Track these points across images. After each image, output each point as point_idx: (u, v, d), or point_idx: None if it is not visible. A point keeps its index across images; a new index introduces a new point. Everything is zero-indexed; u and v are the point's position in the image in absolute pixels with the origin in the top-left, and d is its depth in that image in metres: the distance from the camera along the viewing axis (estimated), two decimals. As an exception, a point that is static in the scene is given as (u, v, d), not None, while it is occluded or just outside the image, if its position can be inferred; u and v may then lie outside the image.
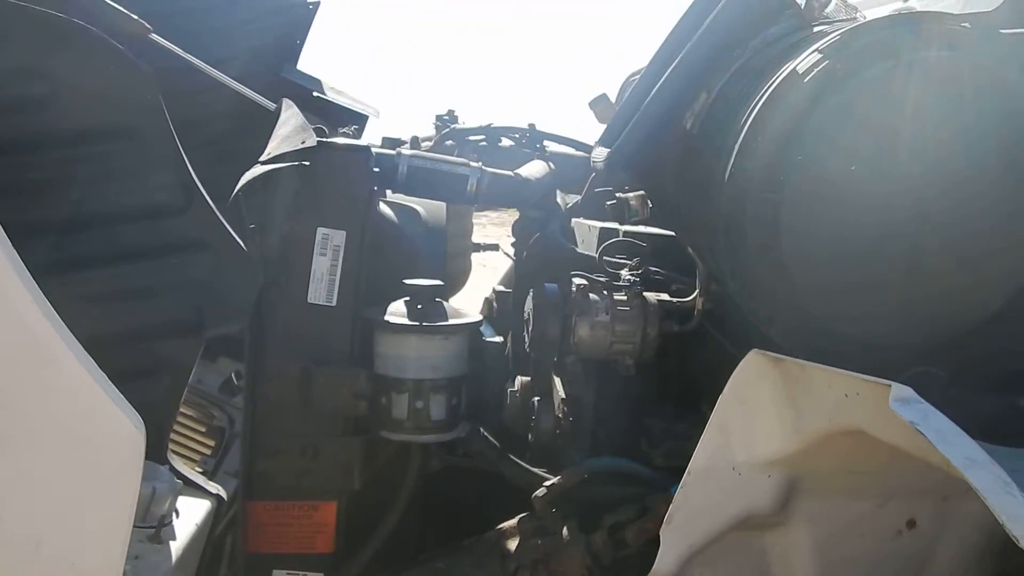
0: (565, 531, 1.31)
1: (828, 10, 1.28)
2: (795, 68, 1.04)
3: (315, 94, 2.44)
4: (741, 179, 1.09)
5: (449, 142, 2.05)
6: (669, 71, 1.29)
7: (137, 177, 1.03)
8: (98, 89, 1.03)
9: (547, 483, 1.33)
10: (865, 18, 1.26)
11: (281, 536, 1.27)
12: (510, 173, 1.65)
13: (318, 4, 2.49)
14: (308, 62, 2.56)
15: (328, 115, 2.38)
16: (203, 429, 1.88)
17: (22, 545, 0.67)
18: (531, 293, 1.54)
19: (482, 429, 1.41)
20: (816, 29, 1.18)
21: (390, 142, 1.78)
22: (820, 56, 1.02)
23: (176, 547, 0.92)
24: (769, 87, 1.08)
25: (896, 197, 1.05)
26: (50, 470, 0.65)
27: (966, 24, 1.04)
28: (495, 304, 2.06)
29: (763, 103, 1.07)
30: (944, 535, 1.37)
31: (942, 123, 1.02)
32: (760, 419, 1.21)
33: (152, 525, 0.91)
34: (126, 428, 0.67)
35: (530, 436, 1.47)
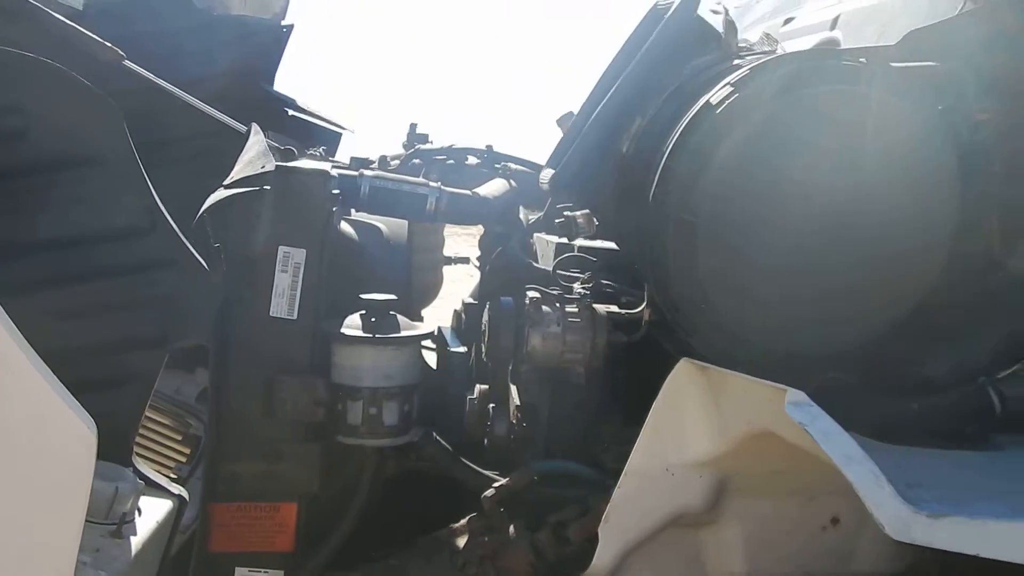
0: (512, 529, 1.40)
1: (753, 42, 1.39)
2: (709, 99, 1.14)
3: (291, 113, 2.53)
4: (663, 201, 1.18)
5: (416, 161, 2.14)
6: (607, 97, 1.39)
7: (104, 201, 1.12)
8: (66, 121, 1.12)
9: (496, 484, 1.42)
10: (784, 50, 1.36)
11: (243, 535, 1.35)
12: (468, 192, 1.75)
13: (292, 26, 2.58)
14: (284, 80, 2.65)
15: (303, 133, 2.47)
16: (179, 437, 1.95)
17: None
18: (487, 305, 1.63)
19: (436, 434, 1.50)
20: (736, 62, 1.27)
21: (357, 162, 1.87)
22: (731, 89, 1.12)
23: (136, 542, 1.00)
24: (688, 116, 1.17)
25: (803, 219, 1.14)
26: (3, 467, 0.73)
27: (862, 59, 1.14)
28: (463, 316, 2.15)
29: (681, 131, 1.16)
30: (864, 531, 1.46)
31: (841, 150, 1.12)
32: (690, 423, 1.30)
33: (114, 522, 0.99)
34: (78, 428, 0.75)
35: (485, 442, 1.56)
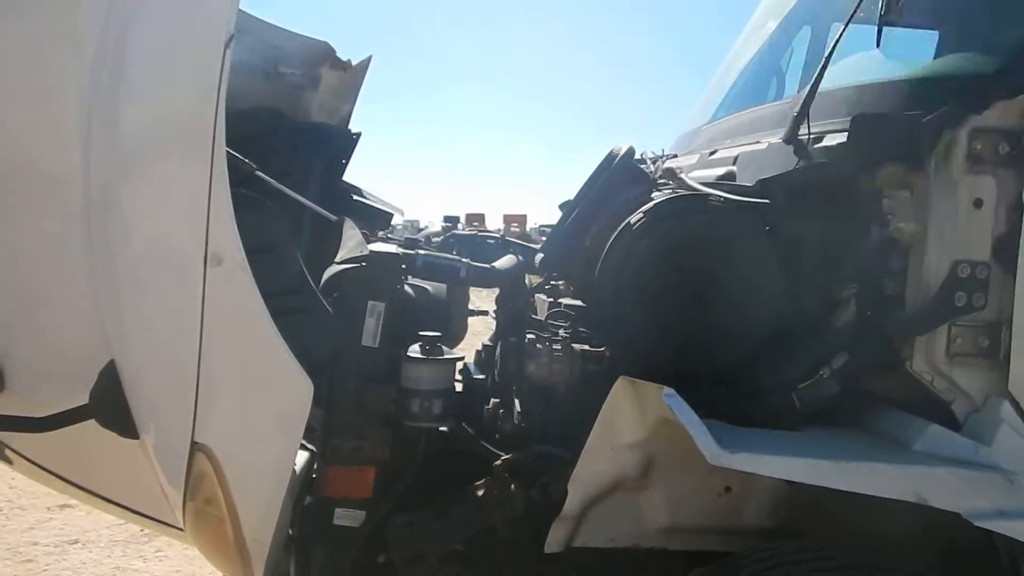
0: (512, 487, 2.14)
1: (667, 179, 2.19)
2: (629, 220, 1.93)
3: (355, 198, 3.34)
4: (604, 279, 1.97)
5: (451, 240, 2.95)
6: (576, 211, 2.20)
7: (275, 271, 1.90)
8: (252, 223, 1.91)
9: (503, 458, 2.17)
10: (687, 182, 2.16)
11: (340, 486, 2.10)
12: (488, 265, 2.54)
13: (360, 134, 3.40)
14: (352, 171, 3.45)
15: (365, 213, 3.27)
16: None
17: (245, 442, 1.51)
18: (499, 344, 2.41)
19: (465, 425, 2.26)
20: (653, 194, 2.07)
21: (411, 242, 2.67)
22: (641, 215, 1.91)
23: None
24: (619, 228, 1.97)
25: (687, 290, 1.92)
26: (258, 394, 1.49)
27: (724, 195, 1.93)
28: (483, 354, 2.92)
29: (614, 237, 1.96)
30: (749, 496, 2.18)
31: (706, 253, 1.90)
32: (625, 417, 2.03)
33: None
34: (304, 382, 1.51)
35: (497, 435, 2.31)
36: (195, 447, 1.62)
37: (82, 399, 1.74)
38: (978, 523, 1.61)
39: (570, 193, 2.88)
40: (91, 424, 1.74)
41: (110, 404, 1.66)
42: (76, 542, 4.78)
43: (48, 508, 5.33)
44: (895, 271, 1.91)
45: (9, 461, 2.11)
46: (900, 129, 1.87)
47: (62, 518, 5.17)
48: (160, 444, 1.68)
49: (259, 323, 1.59)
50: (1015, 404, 1.83)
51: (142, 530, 4.96)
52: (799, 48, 3.12)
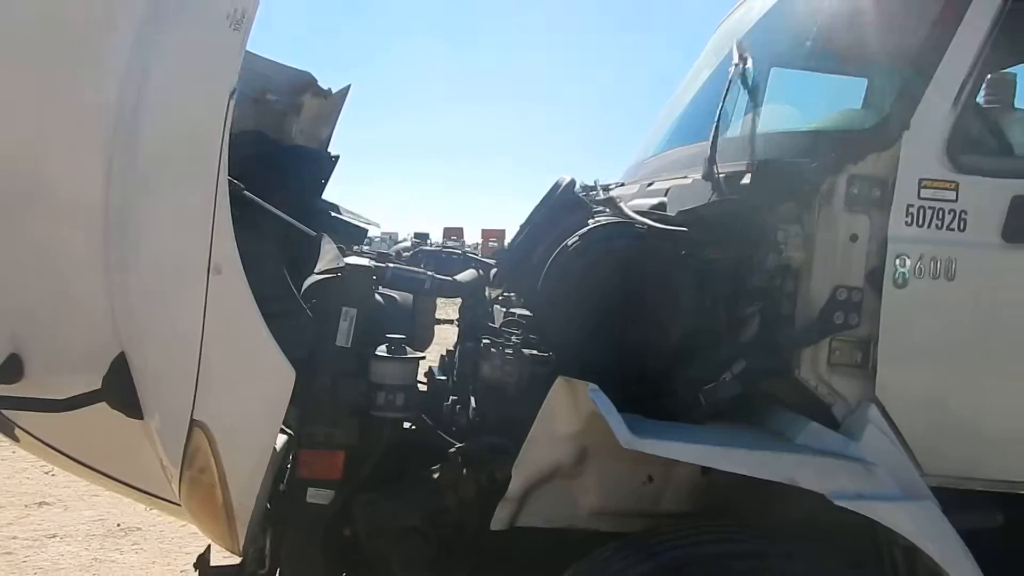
0: (464, 472, 2.46)
1: (604, 207, 2.54)
2: (567, 243, 2.28)
3: (333, 215, 3.65)
4: (545, 297, 2.32)
5: (419, 255, 3.29)
6: (526, 231, 2.54)
7: (264, 284, 2.21)
8: (243, 238, 2.24)
9: (457, 447, 2.49)
10: (619, 210, 2.51)
11: (313, 468, 2.40)
12: (450, 278, 2.87)
13: (338, 157, 3.71)
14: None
15: (342, 228, 3.58)
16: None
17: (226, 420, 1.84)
18: (458, 349, 2.74)
19: (425, 417, 2.59)
20: (589, 221, 2.42)
21: (383, 256, 3.00)
22: (577, 239, 2.26)
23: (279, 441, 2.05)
24: (557, 250, 2.31)
25: (615, 303, 2.26)
26: (248, 380, 1.82)
27: (648, 224, 2.29)
28: (446, 358, 3.25)
29: (552, 257, 2.30)
30: (669, 485, 2.52)
31: (631, 273, 2.25)
32: (562, 411, 2.34)
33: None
34: (286, 368, 1.83)
35: (454, 428, 2.64)
36: (193, 424, 1.92)
37: (91, 386, 2.04)
38: (838, 502, 1.96)
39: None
40: (99, 408, 2.04)
41: (120, 389, 1.97)
42: (54, 536, 5.01)
43: (26, 505, 5.55)
44: (787, 293, 2.28)
45: (16, 439, 2.39)
46: (793, 174, 2.24)
47: (39, 515, 5.40)
48: (163, 422, 1.98)
49: (251, 322, 1.91)
50: (880, 408, 2.20)
51: (118, 524, 5.23)
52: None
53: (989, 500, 2.26)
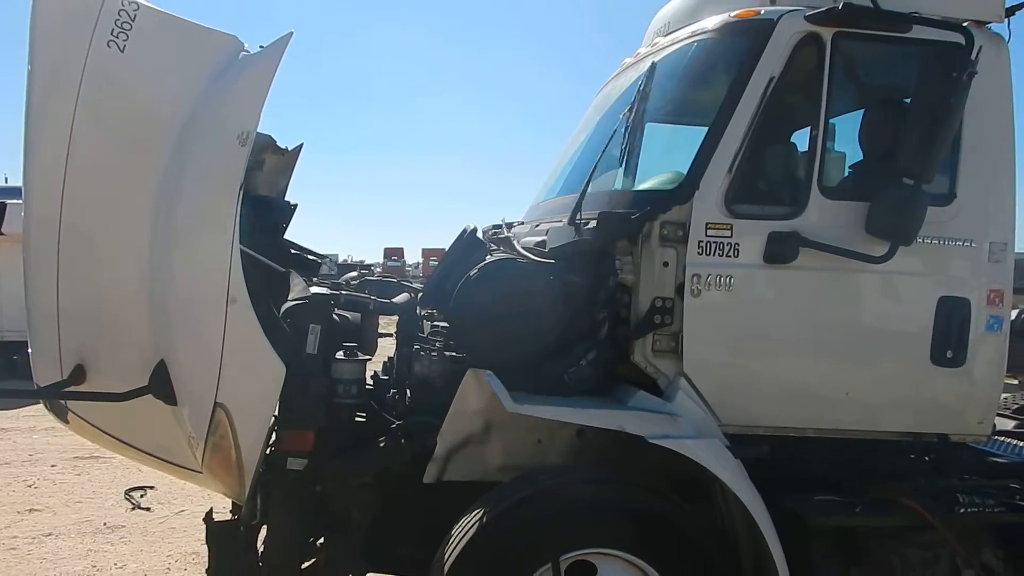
0: (403, 441, 3.38)
1: (500, 245, 3.52)
2: (470, 273, 3.24)
3: (292, 251, 4.54)
4: (456, 313, 3.27)
5: (364, 284, 4.22)
6: (445, 265, 3.50)
7: (258, 306, 3.10)
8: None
9: (395, 424, 3.41)
10: (509, 247, 3.49)
11: (290, 444, 3.28)
12: (389, 300, 3.82)
13: (296, 205, 4.60)
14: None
15: (300, 261, 4.47)
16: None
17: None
18: (396, 354, 3.68)
19: (374, 403, 3.50)
20: (487, 256, 3.39)
21: (336, 286, 3.92)
22: (477, 270, 3.22)
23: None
24: (462, 280, 3.27)
25: (508, 327, 3.23)
26: (254, 373, 2.71)
27: (529, 258, 3.27)
28: (388, 363, 4.18)
29: (460, 285, 3.26)
30: (553, 445, 3.47)
31: (515, 302, 3.21)
32: (472, 393, 3.28)
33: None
34: (276, 363, 2.73)
35: (394, 411, 3.56)
36: (216, 405, 2.82)
37: (136, 385, 2.92)
38: (651, 441, 2.95)
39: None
40: (140, 399, 2.92)
41: (161, 385, 2.84)
42: (50, 535, 5.73)
43: (18, 512, 6.26)
44: (623, 303, 3.29)
45: (67, 421, 3.22)
46: (624, 220, 3.25)
47: (32, 519, 6.11)
48: (192, 406, 2.87)
49: (256, 335, 2.82)
50: (687, 379, 3.21)
51: (104, 523, 5.98)
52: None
53: (762, 440, 3.28)
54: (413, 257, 44.17)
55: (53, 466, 7.69)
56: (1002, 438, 4.36)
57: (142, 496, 6.67)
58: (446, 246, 3.68)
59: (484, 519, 2.94)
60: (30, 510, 6.30)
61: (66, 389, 2.92)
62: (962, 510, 3.22)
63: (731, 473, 3.00)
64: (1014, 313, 5.20)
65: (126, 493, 6.72)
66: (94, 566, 5.13)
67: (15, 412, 10.05)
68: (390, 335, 4.60)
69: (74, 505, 6.44)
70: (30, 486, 7.00)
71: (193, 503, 6.51)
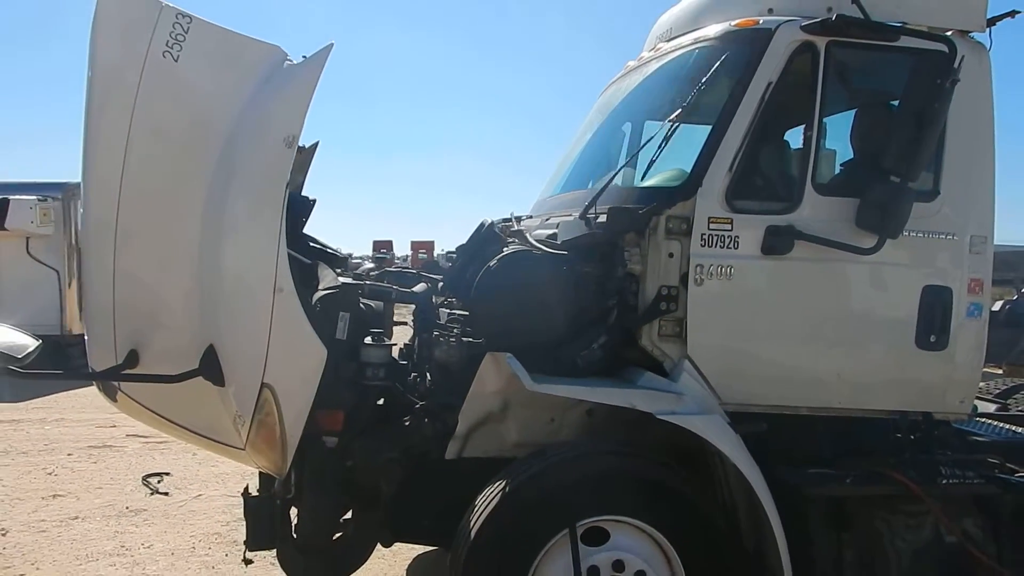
0: (425, 420, 3.62)
1: (513, 238, 3.78)
2: (489, 264, 3.49)
3: (311, 245, 4.78)
4: (476, 301, 3.53)
5: (384, 274, 4.47)
6: (463, 257, 3.75)
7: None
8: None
9: (420, 404, 3.66)
10: (524, 239, 3.74)
11: (323, 424, 3.53)
12: (409, 290, 4.07)
13: (315, 200, 4.84)
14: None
15: (319, 253, 4.71)
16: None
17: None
18: (416, 340, 3.93)
19: (399, 385, 3.75)
20: (504, 248, 3.64)
21: (358, 277, 4.17)
22: (496, 261, 3.48)
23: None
24: (483, 269, 3.52)
25: (525, 313, 3.49)
26: (299, 356, 2.96)
27: (543, 250, 3.52)
28: (405, 349, 4.43)
29: (480, 275, 3.51)
30: (564, 424, 3.74)
31: (532, 291, 3.47)
32: (490, 375, 3.54)
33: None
34: (319, 347, 2.98)
35: (416, 393, 3.81)
36: (263, 385, 3.07)
37: (185, 368, 3.17)
38: (659, 416, 3.21)
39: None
40: (192, 382, 3.17)
41: (211, 367, 3.09)
42: (76, 518, 5.97)
43: (43, 498, 6.48)
44: (632, 291, 3.55)
45: (115, 400, 3.47)
46: (633, 215, 3.51)
47: (57, 504, 6.34)
48: (239, 387, 3.11)
49: (301, 321, 3.07)
50: (691, 361, 3.48)
51: (127, 507, 6.22)
52: (626, 137, 4.75)
53: (761, 417, 3.55)
54: (402, 250, 44.37)
55: (69, 455, 7.91)
56: (984, 419, 4.66)
57: (159, 482, 6.91)
58: (434, 239, 3.96)
59: (507, 489, 3.20)
60: (54, 496, 6.53)
61: (122, 372, 3.16)
62: (944, 481, 3.49)
63: (732, 446, 3.27)
64: (998, 304, 5.51)
65: (143, 479, 6.96)
66: (123, 546, 5.36)
67: (24, 404, 10.26)
68: (403, 323, 4.87)
69: (95, 491, 6.67)
70: (50, 473, 7.22)
71: (209, 488, 6.77)
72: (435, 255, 39.02)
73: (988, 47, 3.71)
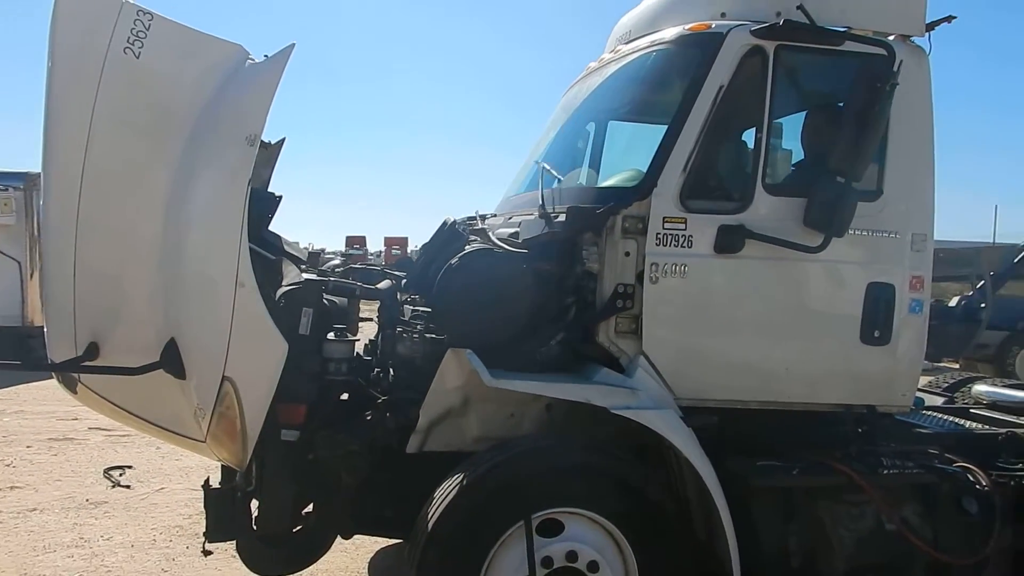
0: (387, 414, 3.70)
1: (477, 235, 3.85)
2: (451, 262, 3.56)
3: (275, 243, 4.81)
4: (438, 298, 3.60)
5: (349, 271, 4.52)
6: (424, 254, 3.82)
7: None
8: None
9: (382, 399, 3.72)
10: (486, 238, 3.82)
11: (285, 417, 3.58)
12: (373, 287, 4.12)
13: (281, 197, 4.87)
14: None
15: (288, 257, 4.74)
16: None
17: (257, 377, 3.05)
18: (380, 335, 4.00)
19: (360, 380, 3.81)
20: (465, 246, 3.71)
21: (323, 274, 4.21)
22: (457, 259, 3.55)
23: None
24: (444, 267, 3.60)
25: (485, 310, 3.56)
26: (259, 350, 3.01)
27: (503, 248, 3.60)
28: (370, 345, 4.48)
29: (441, 272, 3.58)
30: (524, 418, 3.82)
31: (491, 288, 3.55)
32: (451, 371, 3.62)
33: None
34: (279, 341, 3.03)
35: (379, 388, 3.87)
36: (224, 378, 3.11)
37: (146, 361, 3.20)
38: (614, 411, 3.31)
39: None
40: (152, 375, 3.20)
41: (172, 361, 3.13)
42: (34, 510, 5.93)
43: (0, 489, 6.42)
44: (589, 289, 3.64)
45: (75, 392, 3.49)
46: (591, 214, 3.60)
47: (14, 495, 6.29)
48: (200, 379, 3.16)
49: (262, 316, 3.12)
50: (646, 357, 3.58)
51: (87, 500, 6.20)
52: (589, 136, 4.84)
53: (712, 411, 3.67)
54: (375, 245, 44.18)
55: (28, 447, 7.83)
56: (930, 412, 4.85)
57: (121, 475, 6.88)
58: (407, 234, 4.02)
59: (463, 482, 3.28)
60: (11, 487, 6.48)
61: (82, 364, 3.19)
62: (885, 472, 3.65)
63: (684, 440, 3.38)
64: (955, 300, 5.69)
65: (105, 472, 6.92)
66: (81, 537, 5.36)
67: (-19, 396, 10.12)
68: (369, 319, 4.92)
69: (54, 483, 6.63)
70: (8, 465, 7.16)
71: (172, 481, 6.76)
72: (408, 252, 38.92)
73: (928, 51, 3.86)
